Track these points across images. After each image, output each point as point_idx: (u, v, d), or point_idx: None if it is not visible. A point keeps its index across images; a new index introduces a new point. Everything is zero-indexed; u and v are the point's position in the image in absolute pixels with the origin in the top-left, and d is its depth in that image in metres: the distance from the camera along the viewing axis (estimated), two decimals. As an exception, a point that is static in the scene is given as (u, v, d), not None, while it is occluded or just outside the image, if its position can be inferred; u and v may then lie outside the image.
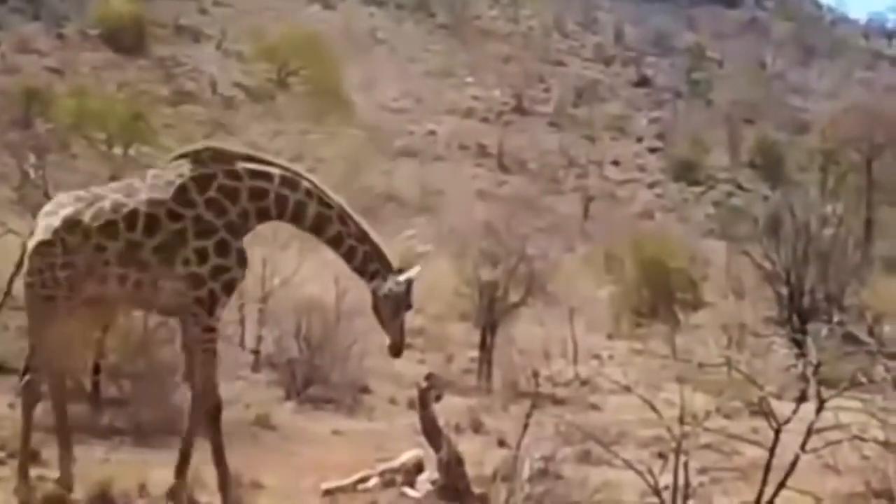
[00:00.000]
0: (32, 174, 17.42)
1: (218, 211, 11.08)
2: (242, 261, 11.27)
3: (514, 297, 24.37)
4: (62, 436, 11.36)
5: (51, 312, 11.06)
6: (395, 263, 11.64)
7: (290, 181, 11.37)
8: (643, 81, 72.85)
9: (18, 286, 16.94)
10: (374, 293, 11.50)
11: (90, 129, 41.55)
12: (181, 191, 11.08)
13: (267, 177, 11.33)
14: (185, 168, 11.23)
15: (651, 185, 60.62)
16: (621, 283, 34.61)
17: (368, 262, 11.47)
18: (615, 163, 62.23)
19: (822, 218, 27.29)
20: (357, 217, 11.59)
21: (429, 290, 29.23)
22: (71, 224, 11.01)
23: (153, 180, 11.26)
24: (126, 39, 57.22)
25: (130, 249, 10.96)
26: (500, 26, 76.61)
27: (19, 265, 11.36)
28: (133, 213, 10.98)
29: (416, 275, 11.63)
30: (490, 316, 23.98)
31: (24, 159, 18.69)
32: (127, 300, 11.55)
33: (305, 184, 11.43)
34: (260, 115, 55.21)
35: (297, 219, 11.47)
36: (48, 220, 11.12)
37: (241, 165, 11.29)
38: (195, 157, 11.34)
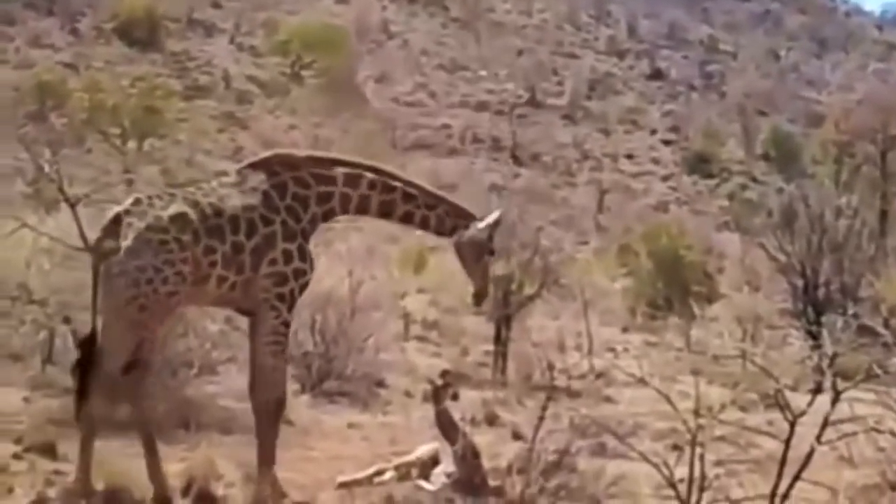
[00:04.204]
0: (47, 169, 17.37)
1: (296, 218, 11.58)
2: (313, 266, 11.79)
3: (528, 289, 24.31)
4: (86, 442, 11.19)
5: (141, 321, 11.00)
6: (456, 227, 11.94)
7: (352, 179, 11.88)
8: (657, 74, 72.81)
9: (32, 279, 17.12)
10: (456, 244, 12.07)
11: (104, 123, 41.71)
12: (266, 197, 11.51)
13: (331, 180, 11.81)
14: (262, 175, 11.61)
15: (665, 178, 60.61)
16: (636, 275, 34.60)
17: (444, 222, 12.06)
18: (629, 155, 62.24)
19: (837, 210, 27.13)
20: (425, 186, 12.24)
21: (443, 284, 29.32)
22: (183, 225, 11.06)
23: (237, 187, 11.54)
24: (140, 34, 57.47)
25: (235, 252, 11.24)
26: (514, 19, 76.60)
27: (97, 273, 11.06)
28: (234, 218, 11.28)
29: (495, 219, 12.17)
30: (504, 309, 23.90)
31: (39, 154, 18.66)
32: (215, 301, 11.81)
33: (367, 177, 11.91)
34: (273, 108, 55.40)
35: (362, 211, 12.08)
36: (145, 221, 10.96)
37: (308, 171, 11.74)
38: (266, 165, 11.71)
